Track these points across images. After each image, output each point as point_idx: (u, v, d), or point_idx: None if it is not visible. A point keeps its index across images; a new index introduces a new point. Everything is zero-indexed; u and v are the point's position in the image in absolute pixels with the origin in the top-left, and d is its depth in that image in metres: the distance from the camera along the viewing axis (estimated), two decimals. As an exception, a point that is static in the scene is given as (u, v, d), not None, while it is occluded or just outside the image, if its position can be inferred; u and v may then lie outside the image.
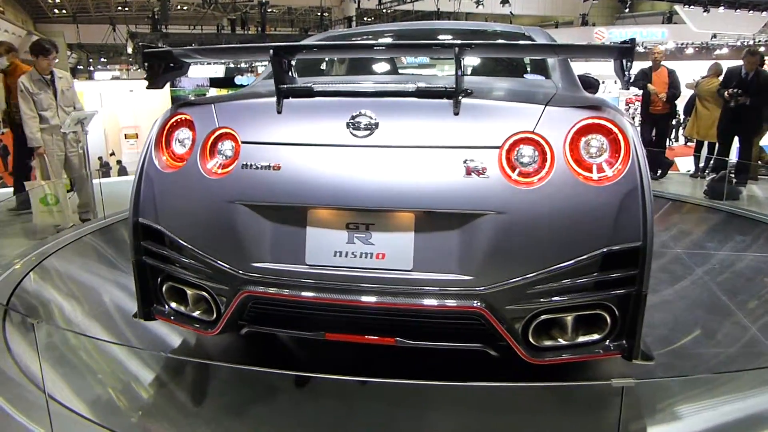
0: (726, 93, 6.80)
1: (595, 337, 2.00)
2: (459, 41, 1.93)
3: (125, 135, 18.24)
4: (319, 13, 28.22)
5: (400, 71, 3.79)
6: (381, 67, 3.32)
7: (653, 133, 7.86)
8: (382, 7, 26.18)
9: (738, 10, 19.74)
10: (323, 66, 3.59)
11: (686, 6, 20.74)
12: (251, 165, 2.01)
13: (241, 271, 2.02)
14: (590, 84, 2.80)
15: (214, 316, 2.17)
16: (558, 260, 1.87)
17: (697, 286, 3.62)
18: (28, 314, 3.19)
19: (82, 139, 5.43)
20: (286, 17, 33.79)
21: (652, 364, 2.03)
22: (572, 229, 1.87)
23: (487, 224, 1.87)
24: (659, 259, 4.17)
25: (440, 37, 3.35)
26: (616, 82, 22.94)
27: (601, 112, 1.94)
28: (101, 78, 25.90)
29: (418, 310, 1.94)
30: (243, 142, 2.06)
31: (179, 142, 2.20)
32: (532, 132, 1.91)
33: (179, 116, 2.21)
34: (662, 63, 7.69)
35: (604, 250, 1.87)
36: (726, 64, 7.57)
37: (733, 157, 7.14)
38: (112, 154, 17.78)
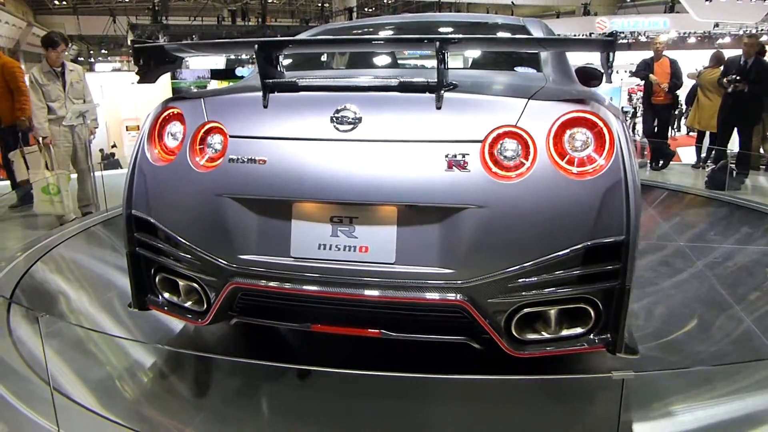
0: (725, 80, 6.75)
1: (579, 330, 2.01)
2: (439, 36, 1.92)
3: (126, 127, 18.20)
4: (319, 4, 28.10)
5: (401, 63, 3.79)
6: (382, 59, 3.32)
7: (655, 124, 7.85)
8: (382, -3, 26.04)
9: (740, -1, 19.63)
10: (324, 58, 3.59)
11: (688, -5, 20.60)
12: (238, 159, 2.05)
13: (228, 263, 2.06)
14: (593, 75, 2.79)
15: (205, 306, 2.22)
16: (539, 254, 1.88)
17: (695, 278, 3.62)
18: (32, 307, 3.21)
19: (84, 133, 5.44)
20: (286, 8, 33.63)
21: (637, 357, 2.03)
22: (554, 223, 1.87)
23: (467, 218, 1.88)
24: (660, 251, 4.17)
25: (440, 29, 3.34)
26: (617, 72, 22.89)
27: (585, 105, 1.93)
28: (102, 70, 25.82)
29: (400, 302, 1.96)
30: (231, 136, 2.09)
31: (170, 135, 2.24)
32: (515, 126, 1.91)
33: (170, 110, 2.26)
34: (664, 53, 7.66)
35: (587, 244, 1.87)
36: (728, 53, 7.53)
37: (736, 147, 7.11)
38: (114, 146, 17.76)
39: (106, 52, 32.13)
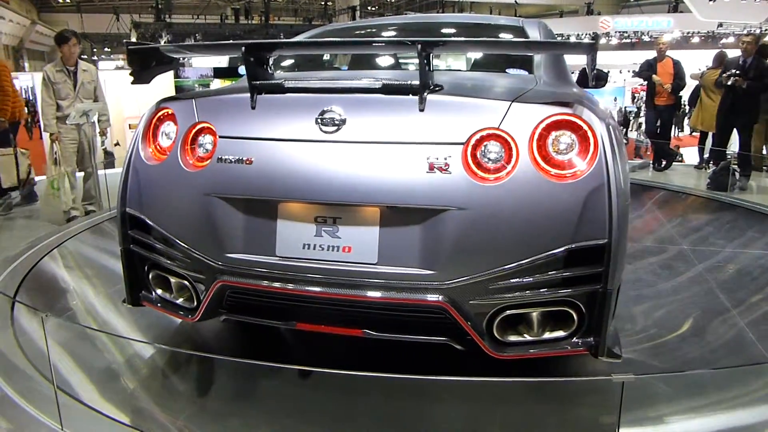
0: (723, 75, 6.71)
1: (562, 333, 2.01)
2: (421, 39, 1.92)
3: (129, 125, 18.20)
4: (322, 2, 28.11)
5: (403, 63, 3.79)
6: (384, 60, 3.33)
7: (657, 124, 7.84)
8: (385, -5, 26.05)
9: (744, -1, 19.60)
10: (327, 57, 3.60)
11: (692, -6, 20.56)
12: (226, 159, 2.08)
13: (216, 262, 2.09)
14: (598, 76, 2.75)
15: (195, 303, 2.25)
16: (521, 256, 1.88)
17: (694, 282, 3.60)
18: (37, 307, 3.22)
19: (89, 132, 5.47)
20: (289, 6, 33.67)
21: (619, 362, 2.03)
22: (535, 226, 1.87)
23: (448, 220, 1.89)
24: (661, 254, 4.18)
25: (443, 31, 3.34)
26: (621, 72, 22.87)
27: (568, 108, 1.92)
28: (105, 68, 25.87)
29: (382, 303, 1.97)
30: (220, 137, 2.12)
31: (163, 135, 2.29)
32: (497, 128, 1.91)
33: (163, 110, 2.30)
34: (667, 53, 7.65)
35: (568, 247, 1.87)
36: (732, 53, 7.51)
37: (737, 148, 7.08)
38: (117, 144, 17.76)
39: (109, 50, 32.22)
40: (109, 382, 2.48)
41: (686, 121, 15.85)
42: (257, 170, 2.03)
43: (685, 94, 9.25)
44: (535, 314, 2.00)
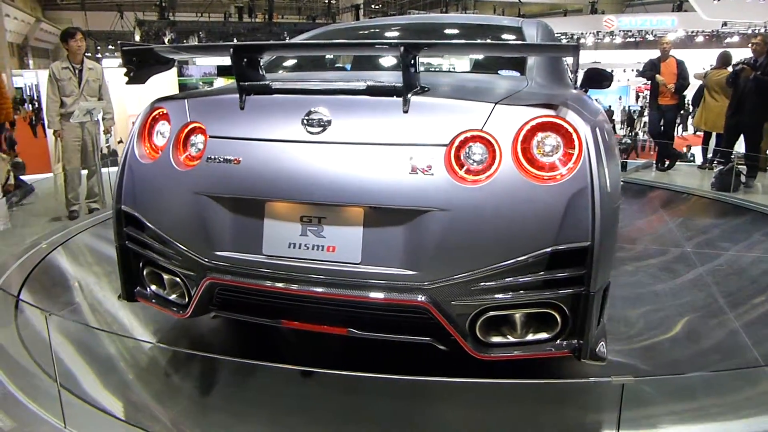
0: (732, 66, 6.71)
1: (545, 335, 2.01)
2: (403, 41, 1.93)
3: (133, 123, 18.25)
4: (326, 1, 28.11)
5: (398, 64, 3.79)
6: (381, 61, 3.32)
7: (661, 124, 7.82)
8: (389, -6, 26.03)
9: (749, -2, 19.54)
10: (331, 56, 3.60)
11: (697, -7, 20.52)
12: (215, 158, 2.11)
13: (205, 259, 2.13)
14: (602, 76, 2.77)
15: (186, 300, 2.29)
16: (503, 258, 1.89)
17: (694, 284, 3.59)
18: (40, 306, 3.24)
19: (92, 130, 5.48)
20: (293, 5, 33.64)
21: (603, 364, 2.03)
22: (517, 228, 1.88)
23: (431, 221, 1.90)
24: (661, 256, 4.17)
25: (439, 32, 3.35)
26: (624, 71, 22.82)
27: (552, 110, 1.92)
28: (109, 65, 25.91)
29: (366, 302, 1.99)
30: (210, 137, 2.16)
31: (158, 134, 2.34)
32: (481, 130, 1.92)
33: (158, 110, 2.35)
34: (671, 53, 7.63)
35: (550, 249, 1.87)
36: (736, 53, 7.49)
37: (742, 148, 7.05)
38: (120, 141, 17.80)
39: (113, 47, 32.27)
40: (112, 380, 2.49)
41: (689, 120, 15.84)
42: (245, 170, 2.06)
43: (689, 94, 9.21)
44: (518, 316, 2.01)
